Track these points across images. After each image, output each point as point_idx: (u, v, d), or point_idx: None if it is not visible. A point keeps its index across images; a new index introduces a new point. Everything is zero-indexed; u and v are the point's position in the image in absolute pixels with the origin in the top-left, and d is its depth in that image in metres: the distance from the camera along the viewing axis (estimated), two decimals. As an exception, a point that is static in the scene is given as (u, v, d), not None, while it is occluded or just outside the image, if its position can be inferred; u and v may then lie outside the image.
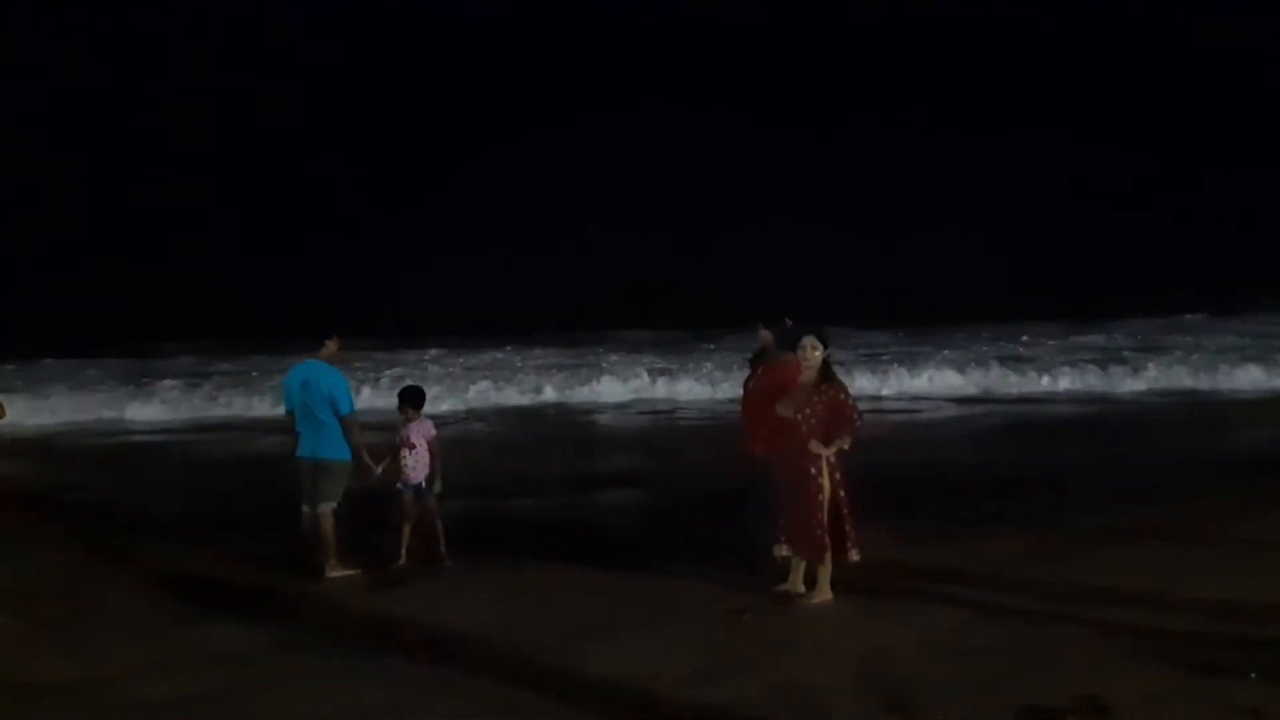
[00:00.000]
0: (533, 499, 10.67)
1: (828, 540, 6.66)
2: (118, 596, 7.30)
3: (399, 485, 8.05)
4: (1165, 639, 5.87)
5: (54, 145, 46.14)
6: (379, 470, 7.85)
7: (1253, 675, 5.24)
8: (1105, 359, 22.00)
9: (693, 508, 8.79)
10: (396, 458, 8.01)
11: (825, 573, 6.73)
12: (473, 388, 19.42)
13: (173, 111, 49.46)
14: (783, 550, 6.93)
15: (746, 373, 8.14)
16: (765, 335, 7.86)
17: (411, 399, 8.18)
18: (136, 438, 16.14)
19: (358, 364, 20.05)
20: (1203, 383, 20.18)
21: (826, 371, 6.78)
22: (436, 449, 8.10)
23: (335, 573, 7.53)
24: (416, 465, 8.03)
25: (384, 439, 8.27)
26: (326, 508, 7.52)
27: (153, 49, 53.04)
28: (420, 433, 8.08)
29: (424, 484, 8.03)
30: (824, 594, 6.73)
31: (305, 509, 7.63)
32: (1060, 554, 7.81)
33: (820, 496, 6.66)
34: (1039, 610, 6.46)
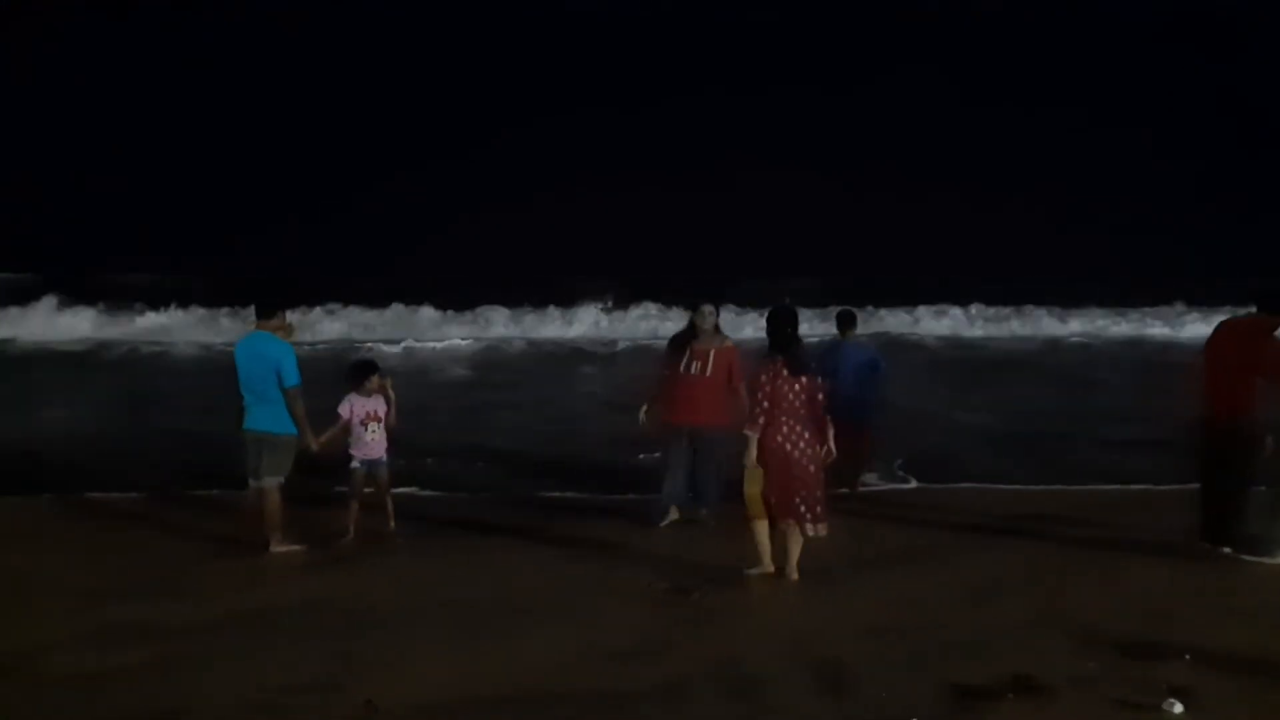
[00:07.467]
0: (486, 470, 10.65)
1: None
2: (50, 567, 7.14)
3: (355, 464, 7.92)
4: (1100, 621, 5.91)
5: (54, 144, 46.17)
6: (316, 446, 7.60)
7: (1187, 656, 5.24)
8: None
9: (649, 478, 8.77)
10: (344, 432, 7.89)
11: (795, 547, 6.67)
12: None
13: (173, 111, 49.54)
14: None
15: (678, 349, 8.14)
16: (709, 314, 8.05)
17: (375, 371, 8.07)
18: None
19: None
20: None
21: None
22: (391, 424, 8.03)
23: (280, 548, 7.44)
24: (377, 439, 7.93)
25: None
26: (271, 482, 7.40)
27: (153, 49, 53.07)
28: (382, 408, 7.99)
29: (383, 458, 7.96)
30: (793, 572, 6.70)
31: (250, 483, 7.53)
32: (1001, 536, 7.92)
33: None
34: (976, 591, 6.51)
